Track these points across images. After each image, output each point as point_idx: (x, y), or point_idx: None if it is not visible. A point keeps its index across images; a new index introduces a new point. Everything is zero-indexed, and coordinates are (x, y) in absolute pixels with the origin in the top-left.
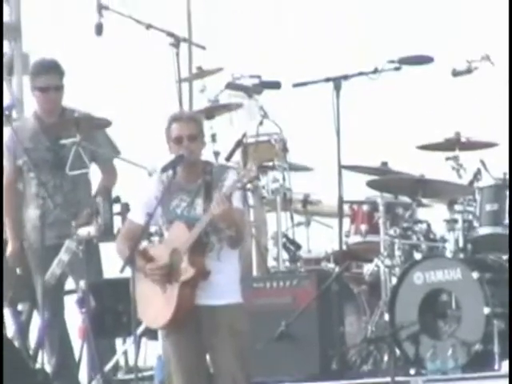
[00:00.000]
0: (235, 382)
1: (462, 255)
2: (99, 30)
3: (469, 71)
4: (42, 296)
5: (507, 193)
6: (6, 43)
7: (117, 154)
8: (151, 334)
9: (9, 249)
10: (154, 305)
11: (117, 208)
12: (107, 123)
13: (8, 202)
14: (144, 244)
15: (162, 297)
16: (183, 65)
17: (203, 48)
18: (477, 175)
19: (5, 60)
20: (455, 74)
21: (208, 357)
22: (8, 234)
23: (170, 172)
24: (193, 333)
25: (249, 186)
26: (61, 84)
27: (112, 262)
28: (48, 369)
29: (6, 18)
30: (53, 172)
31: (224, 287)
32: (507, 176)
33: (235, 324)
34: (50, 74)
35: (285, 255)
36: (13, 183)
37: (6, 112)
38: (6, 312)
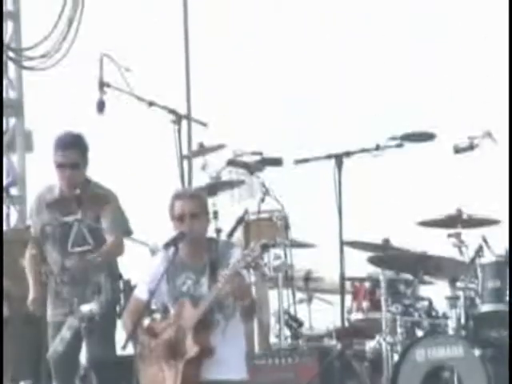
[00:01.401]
0: None
1: (463, 332)
2: (101, 107)
3: (471, 148)
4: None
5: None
6: (8, 119)
7: (127, 232)
8: None
9: (30, 296)
10: (161, 382)
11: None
12: (109, 201)
13: (31, 258)
14: (147, 321)
15: (167, 374)
16: (185, 142)
17: (204, 125)
18: (479, 252)
19: (6, 137)
20: (457, 150)
21: None
22: (30, 282)
23: (172, 249)
24: None
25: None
26: (79, 161)
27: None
28: None
29: (8, 94)
30: (60, 250)
31: (230, 362)
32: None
33: None
34: (67, 151)
35: (287, 332)
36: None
37: (6, 190)
38: None
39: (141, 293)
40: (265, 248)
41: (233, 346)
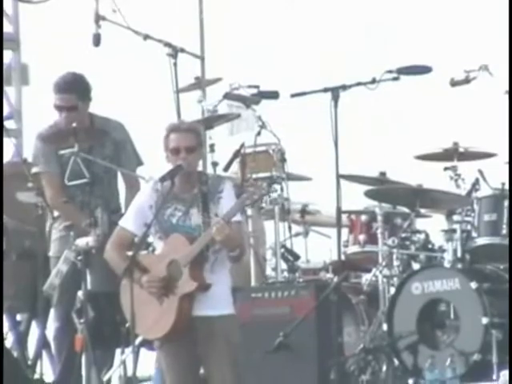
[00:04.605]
0: None
1: (460, 265)
2: (97, 40)
3: (467, 81)
4: (55, 304)
5: (505, 203)
6: (4, 53)
7: (138, 164)
8: (150, 344)
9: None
10: (150, 316)
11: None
12: (105, 133)
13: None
14: (145, 253)
15: (159, 308)
16: (181, 75)
17: (201, 58)
18: (475, 185)
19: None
20: (453, 83)
21: (202, 367)
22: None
23: (169, 182)
24: (187, 344)
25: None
26: (76, 104)
27: None
28: (50, 378)
29: (4, 28)
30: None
31: (218, 298)
32: (505, 186)
33: (230, 335)
34: (63, 94)
35: (283, 265)
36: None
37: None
38: (5, 321)
39: (126, 224)
40: (271, 186)
41: (220, 280)
